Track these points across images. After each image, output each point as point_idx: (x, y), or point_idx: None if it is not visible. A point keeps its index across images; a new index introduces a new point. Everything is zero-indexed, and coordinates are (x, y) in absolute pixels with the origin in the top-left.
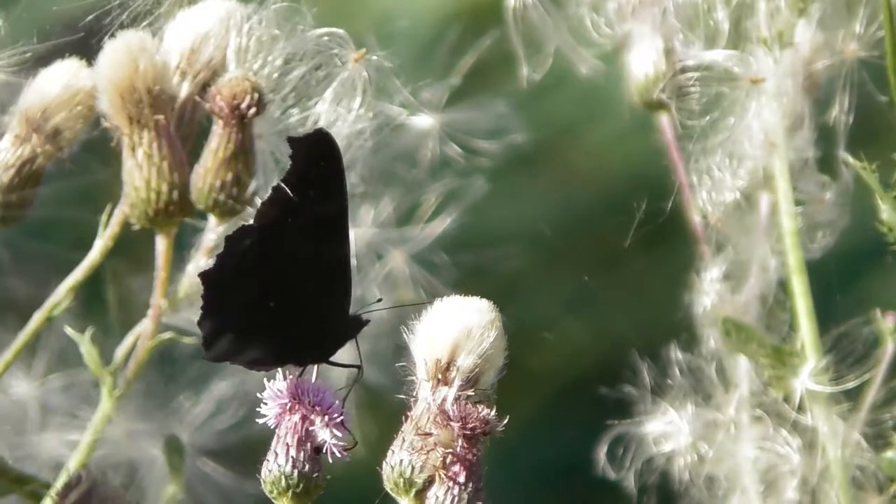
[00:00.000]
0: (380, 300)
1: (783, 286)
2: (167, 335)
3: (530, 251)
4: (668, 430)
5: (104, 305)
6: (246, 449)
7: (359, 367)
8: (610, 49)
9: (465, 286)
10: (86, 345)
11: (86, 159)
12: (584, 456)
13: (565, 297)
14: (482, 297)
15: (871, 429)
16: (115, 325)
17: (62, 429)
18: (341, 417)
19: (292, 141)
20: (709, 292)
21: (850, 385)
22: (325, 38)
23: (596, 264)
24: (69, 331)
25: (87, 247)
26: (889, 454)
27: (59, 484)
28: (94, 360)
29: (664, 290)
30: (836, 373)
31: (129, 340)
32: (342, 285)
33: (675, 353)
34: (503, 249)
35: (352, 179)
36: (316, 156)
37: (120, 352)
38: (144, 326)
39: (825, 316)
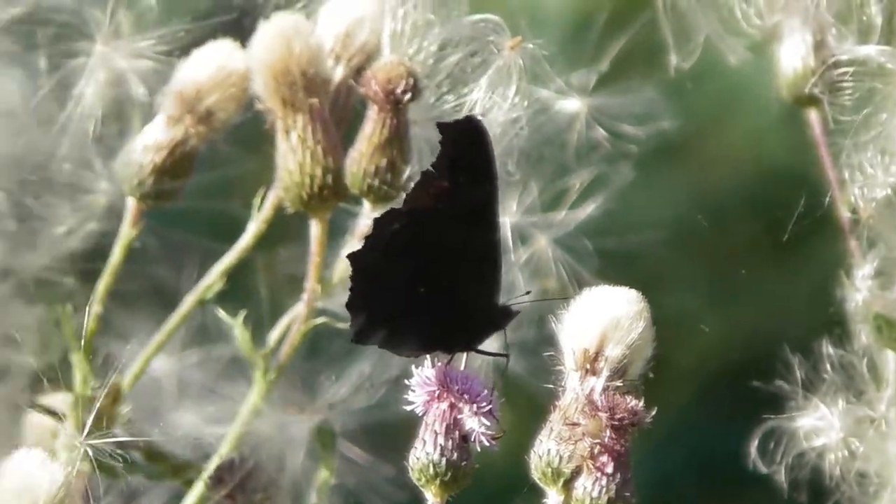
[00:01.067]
0: (528, 293)
1: None
2: (321, 320)
3: (674, 241)
4: (819, 425)
5: (251, 290)
6: (383, 431)
7: (506, 356)
8: (759, 40)
9: (608, 273)
10: (238, 328)
11: (231, 150)
12: (733, 450)
13: (709, 289)
14: (624, 285)
15: None
16: (266, 310)
17: (200, 404)
18: (490, 406)
19: (442, 126)
20: (860, 288)
21: None
22: (481, 24)
23: (743, 257)
24: (221, 314)
25: (228, 236)
26: None
27: (210, 469)
28: (246, 344)
29: (815, 286)
30: None
31: (282, 324)
32: (491, 273)
33: (827, 349)
34: (647, 237)
35: (507, 167)
36: (466, 142)
37: (273, 335)
38: (298, 310)
39: None
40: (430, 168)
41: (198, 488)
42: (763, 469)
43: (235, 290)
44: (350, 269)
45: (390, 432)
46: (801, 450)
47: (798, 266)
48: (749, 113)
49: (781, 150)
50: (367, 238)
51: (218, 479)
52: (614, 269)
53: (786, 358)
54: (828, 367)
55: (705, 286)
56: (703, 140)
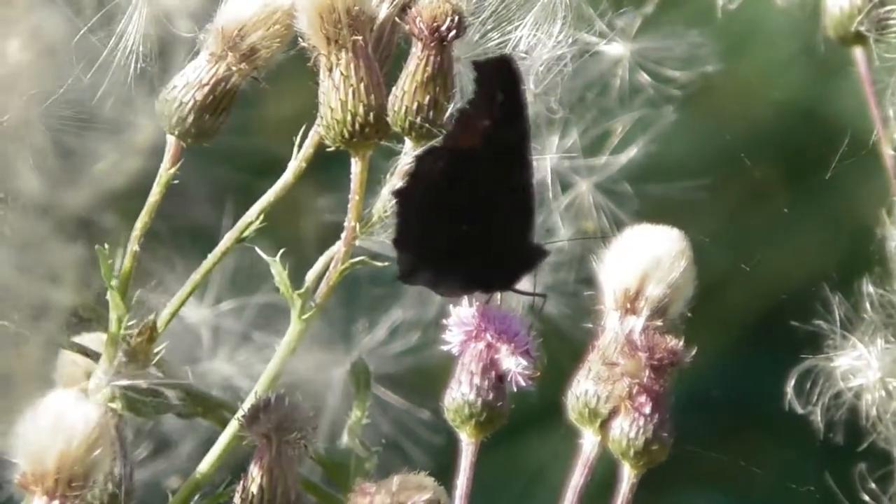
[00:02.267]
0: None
1: None
2: (359, 259)
3: (715, 184)
4: (857, 365)
5: (290, 228)
6: (419, 376)
7: (544, 296)
8: None
9: (649, 217)
10: (276, 266)
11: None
12: (774, 389)
13: (748, 230)
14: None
15: None
16: (306, 251)
17: (235, 353)
18: (528, 345)
19: (478, 65)
20: None
21: None
22: None
23: (785, 196)
24: (258, 251)
25: (269, 175)
26: None
27: (246, 407)
28: (284, 283)
29: (857, 224)
30: None
31: (320, 263)
32: (527, 213)
33: (867, 288)
34: (688, 183)
35: (551, 105)
36: (501, 80)
37: (311, 275)
38: (336, 249)
39: None
40: (467, 105)
41: (232, 427)
42: (799, 409)
43: (276, 233)
44: (394, 205)
45: (427, 376)
46: (837, 390)
47: (840, 205)
48: (789, 53)
49: (822, 91)
50: (411, 175)
51: (253, 417)
52: (656, 213)
53: (825, 297)
54: (867, 306)
55: (745, 228)
56: (741, 81)
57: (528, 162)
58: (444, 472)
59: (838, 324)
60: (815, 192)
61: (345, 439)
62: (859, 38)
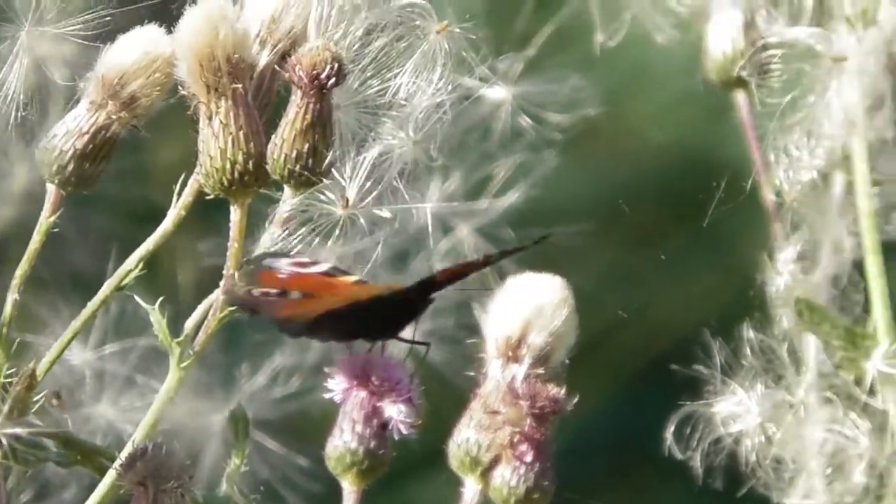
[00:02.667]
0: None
1: (858, 267)
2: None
3: (595, 229)
4: (737, 410)
5: (169, 275)
6: (300, 422)
7: (427, 344)
8: (687, 18)
9: (531, 262)
10: (155, 315)
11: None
12: (652, 436)
13: (630, 275)
14: (548, 272)
15: None
16: (186, 298)
17: (119, 396)
18: (409, 393)
19: None
20: (783, 272)
21: None
22: (408, 8)
23: (666, 242)
24: (138, 299)
25: (148, 223)
26: None
27: (123, 455)
28: (162, 331)
29: (738, 269)
30: None
31: (199, 311)
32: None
33: (748, 333)
34: (570, 227)
35: (430, 153)
36: None
37: (190, 323)
38: (215, 298)
39: None
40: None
41: (110, 475)
42: (678, 454)
43: (156, 280)
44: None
45: (308, 422)
46: (717, 435)
47: (722, 250)
48: (671, 96)
49: (704, 134)
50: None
51: (129, 465)
52: (537, 258)
53: (706, 342)
54: (747, 351)
55: (626, 272)
56: (619, 123)
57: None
58: None
59: (719, 369)
60: (698, 237)
61: (223, 487)
62: (741, 83)
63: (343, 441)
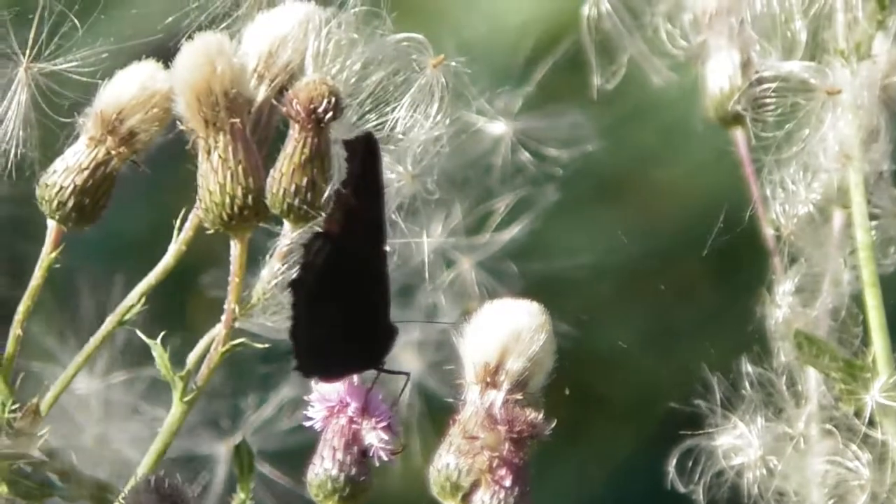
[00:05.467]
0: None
1: (856, 300)
2: (240, 341)
3: (607, 278)
4: (737, 443)
5: (175, 308)
6: (306, 453)
7: (406, 374)
8: (684, 61)
9: (533, 294)
10: (157, 349)
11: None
12: (657, 476)
13: (638, 320)
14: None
15: None
16: (189, 332)
17: (124, 424)
18: (388, 421)
19: (345, 144)
20: (781, 305)
21: None
22: (405, 43)
23: (670, 285)
24: (141, 335)
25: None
26: None
27: (127, 488)
28: (165, 365)
29: (737, 303)
30: None
31: (201, 345)
32: (382, 290)
33: (746, 367)
34: (572, 261)
35: (427, 186)
36: (364, 158)
37: (192, 357)
38: (217, 331)
39: None
40: (340, 187)
41: None
42: (681, 488)
43: (160, 313)
44: (289, 296)
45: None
46: (719, 468)
47: (724, 285)
48: (685, 151)
49: (714, 187)
50: (302, 266)
51: (134, 500)
52: (538, 292)
53: (705, 377)
54: (747, 384)
55: (635, 318)
56: (637, 178)
57: (382, 237)
58: None
59: (719, 403)
60: (696, 271)
61: None
62: (738, 119)
63: (324, 468)
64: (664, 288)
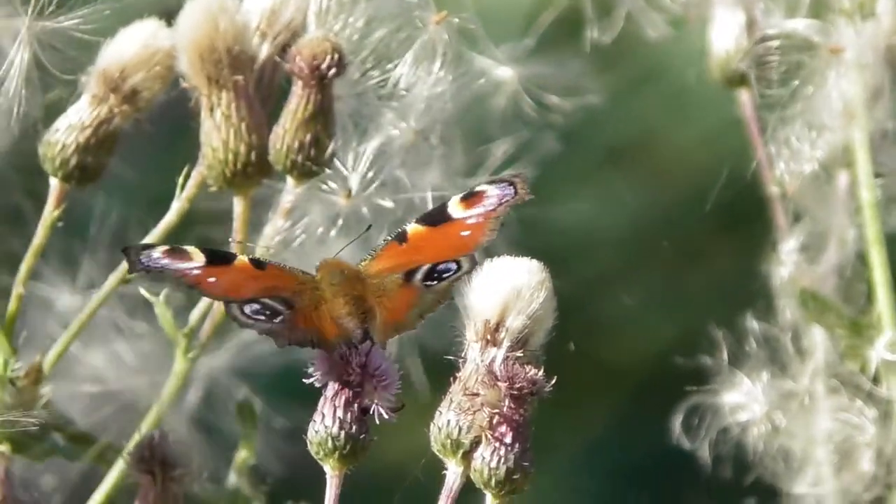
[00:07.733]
0: None
1: (861, 258)
2: None
3: (613, 242)
4: (743, 400)
5: None
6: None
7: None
8: (684, 15)
9: (532, 246)
10: (160, 306)
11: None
12: (662, 433)
13: (644, 281)
14: (565, 284)
15: None
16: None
17: (107, 343)
18: (389, 379)
19: None
20: (786, 263)
21: None
22: None
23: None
24: (144, 292)
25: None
26: None
27: (131, 446)
28: (167, 322)
29: (742, 261)
30: None
31: (205, 302)
32: None
33: (752, 324)
34: (569, 206)
35: (431, 141)
36: None
37: (195, 313)
38: None
39: None
40: None
41: (118, 466)
42: (686, 445)
43: None
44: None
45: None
46: (724, 425)
47: (730, 242)
48: (694, 120)
49: (724, 153)
50: None
51: (138, 455)
52: (531, 238)
53: (711, 334)
54: (752, 341)
55: (642, 285)
56: (647, 147)
57: None
58: None
59: (725, 360)
60: (703, 231)
61: (232, 479)
62: (743, 79)
63: (325, 426)
64: (666, 244)
